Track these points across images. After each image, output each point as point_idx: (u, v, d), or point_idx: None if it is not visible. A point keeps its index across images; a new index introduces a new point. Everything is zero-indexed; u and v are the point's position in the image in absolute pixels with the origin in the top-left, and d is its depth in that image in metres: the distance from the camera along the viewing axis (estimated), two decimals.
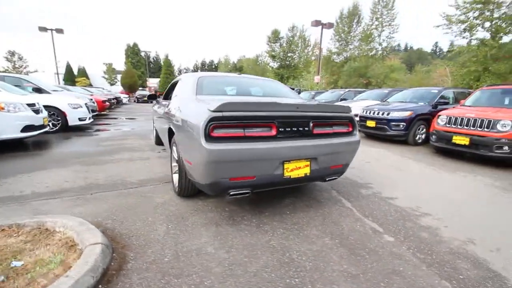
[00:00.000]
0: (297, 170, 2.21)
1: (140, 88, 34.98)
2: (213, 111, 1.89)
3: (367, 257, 1.84)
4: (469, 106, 5.57)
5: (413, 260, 1.82)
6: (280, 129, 2.11)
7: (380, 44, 34.88)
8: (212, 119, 1.89)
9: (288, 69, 44.66)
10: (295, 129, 2.19)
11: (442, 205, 2.77)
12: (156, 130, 4.94)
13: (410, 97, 7.49)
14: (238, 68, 55.52)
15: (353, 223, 2.31)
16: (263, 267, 1.68)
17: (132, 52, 44.75)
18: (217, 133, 1.92)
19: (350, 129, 2.56)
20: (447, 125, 5.13)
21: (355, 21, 36.45)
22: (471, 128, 4.70)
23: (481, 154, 4.54)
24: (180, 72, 75.50)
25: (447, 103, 6.87)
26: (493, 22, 21.11)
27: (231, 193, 2.04)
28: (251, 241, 1.98)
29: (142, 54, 46.52)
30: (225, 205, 2.57)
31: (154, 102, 5.12)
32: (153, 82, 45.47)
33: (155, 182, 3.15)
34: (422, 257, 1.85)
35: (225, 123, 1.94)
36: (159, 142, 5.05)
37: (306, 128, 2.25)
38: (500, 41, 20.62)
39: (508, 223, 2.42)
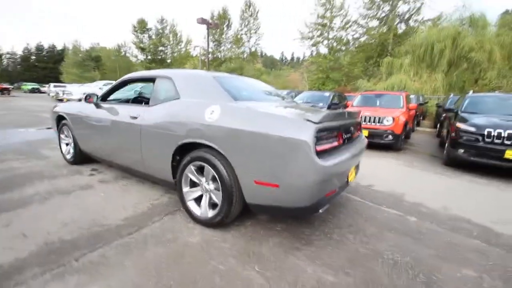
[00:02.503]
0: (351, 175, 2.31)
1: None
2: (318, 122, 1.67)
3: (422, 238, 2.22)
4: (358, 106, 7.40)
5: (443, 231, 2.37)
6: (343, 138, 2.13)
7: (250, 49, 38.81)
8: (317, 132, 1.66)
9: (162, 64, 41.77)
10: (347, 136, 2.27)
11: (399, 184, 3.64)
12: (76, 142, 3.49)
13: (310, 99, 9.00)
14: (93, 57, 46.19)
15: (382, 214, 2.67)
16: (390, 275, 1.70)
17: None
18: (318, 147, 1.70)
19: (360, 132, 2.89)
20: None
21: (226, 24, 38.70)
22: (368, 123, 6.31)
23: (376, 141, 6.21)
24: (0, 57, 53.98)
25: (336, 104, 8.79)
26: (329, 41, 28.20)
27: (320, 210, 1.88)
28: (346, 255, 1.91)
29: None
30: (270, 226, 2.29)
31: (68, 104, 3.59)
32: None
33: (152, 217, 2.31)
34: (445, 227, 2.44)
35: (320, 135, 1.75)
36: (80, 159, 3.62)
37: (350, 135, 2.37)
38: (334, 56, 27.68)
39: (443, 190, 3.54)
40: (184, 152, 2.24)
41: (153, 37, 41.62)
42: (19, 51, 57.27)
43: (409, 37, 21.01)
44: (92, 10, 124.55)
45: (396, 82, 17.30)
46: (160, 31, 41.65)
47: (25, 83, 41.74)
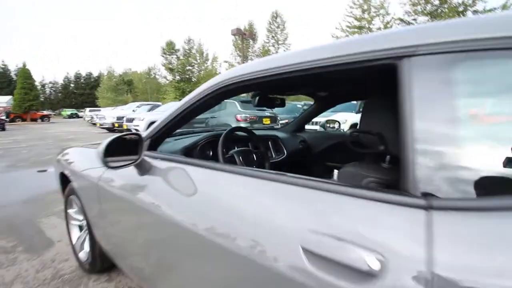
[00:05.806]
0: None
1: None
2: None
3: None
4: None
5: None
6: None
7: None
8: None
9: (189, 83, 41.55)
10: None
11: None
12: (93, 236, 1.57)
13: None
14: (126, 82, 47.73)
15: None
16: None
17: None
18: None
19: None
20: None
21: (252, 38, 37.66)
22: None
23: None
24: (43, 87, 58.01)
25: None
26: None
27: None
28: None
29: None
30: None
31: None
32: (1, 101, 31.82)
33: None
34: None
35: None
36: (101, 265, 1.71)
37: None
38: None
39: None
40: None
41: (181, 57, 41.72)
42: (60, 80, 61.28)
43: None
44: (125, 37, 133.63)
45: None
46: (187, 51, 41.71)
47: (64, 109, 43.87)
